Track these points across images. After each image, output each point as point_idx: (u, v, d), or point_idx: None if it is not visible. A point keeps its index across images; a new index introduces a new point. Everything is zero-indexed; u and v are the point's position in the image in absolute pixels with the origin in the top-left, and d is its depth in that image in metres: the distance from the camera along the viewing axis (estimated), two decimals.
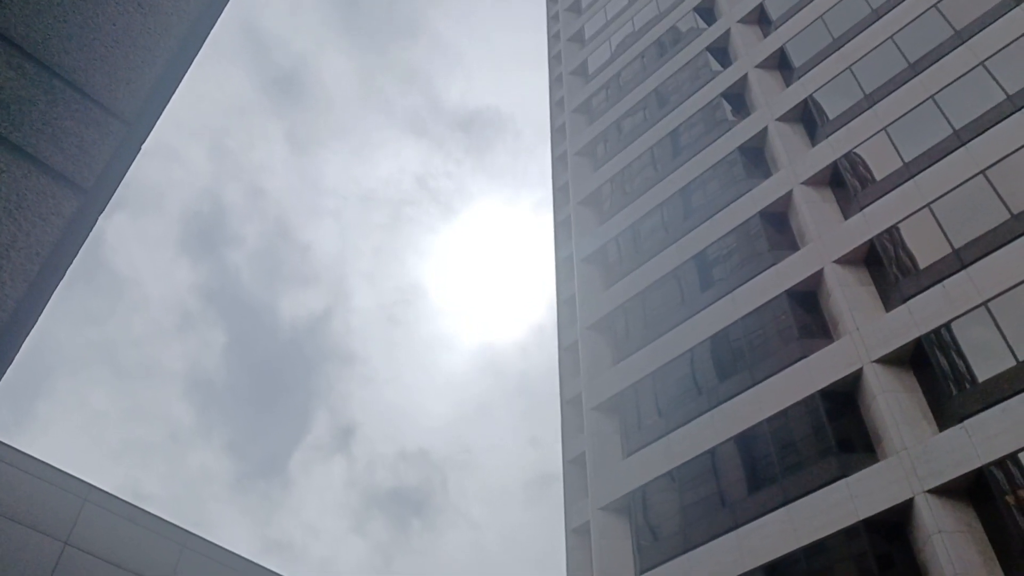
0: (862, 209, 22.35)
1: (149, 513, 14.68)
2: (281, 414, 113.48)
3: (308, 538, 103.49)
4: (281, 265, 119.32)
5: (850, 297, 21.06)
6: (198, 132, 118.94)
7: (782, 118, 26.88)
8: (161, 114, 2.04)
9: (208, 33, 2.17)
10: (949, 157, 21.04)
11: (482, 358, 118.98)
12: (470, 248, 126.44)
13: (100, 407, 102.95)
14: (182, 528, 14.80)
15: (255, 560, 15.29)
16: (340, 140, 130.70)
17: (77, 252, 1.81)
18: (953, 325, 18.55)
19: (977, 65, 21.99)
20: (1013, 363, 17.06)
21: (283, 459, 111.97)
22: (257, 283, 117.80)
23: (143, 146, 1.96)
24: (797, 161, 25.17)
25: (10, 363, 1.72)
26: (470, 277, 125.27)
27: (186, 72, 2.10)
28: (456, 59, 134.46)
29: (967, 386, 17.68)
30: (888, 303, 20.52)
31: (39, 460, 13.86)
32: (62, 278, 1.77)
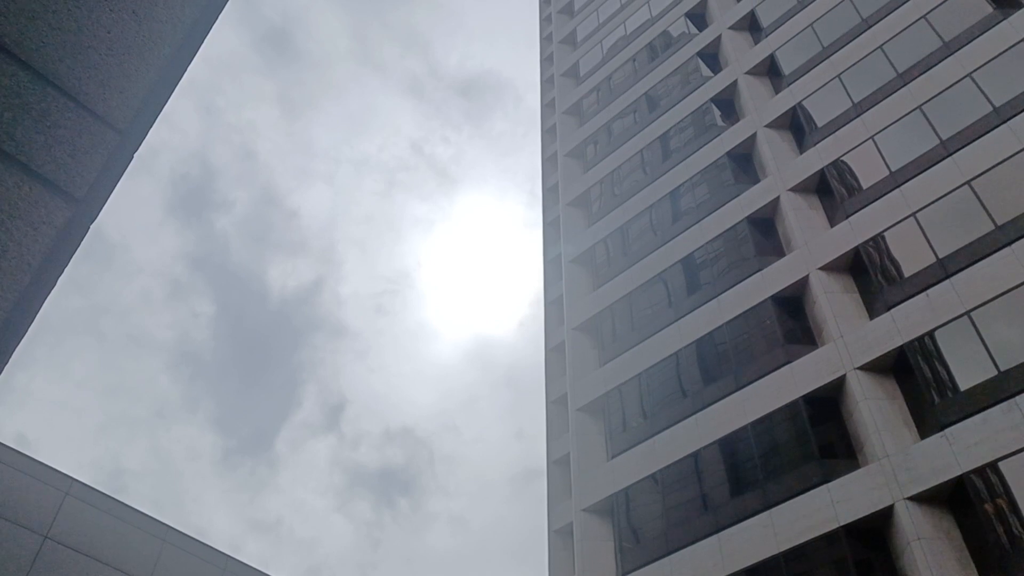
0: (848, 217, 22.49)
1: (130, 507, 14.62)
2: (268, 388, 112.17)
3: (294, 518, 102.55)
4: (270, 231, 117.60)
5: (834, 304, 21.20)
6: (186, 89, 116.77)
7: (771, 124, 27.02)
8: (154, 122, 2.04)
9: (203, 41, 2.16)
10: (935, 167, 21.20)
11: (470, 349, 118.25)
12: (462, 227, 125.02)
13: (82, 379, 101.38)
14: (163, 522, 14.76)
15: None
16: (333, 102, 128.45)
17: (68, 262, 1.81)
18: (936, 334, 18.71)
19: (964, 76, 22.17)
20: (995, 373, 17.21)
21: (270, 436, 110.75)
22: (246, 250, 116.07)
23: (135, 155, 1.97)
24: (785, 168, 25.30)
25: (0, 372, 1.72)
26: (460, 263, 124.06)
27: (180, 79, 2.11)
28: (456, 22, 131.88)
29: (949, 395, 17.83)
30: (872, 311, 20.67)
31: (20, 452, 13.78)
32: (52, 288, 1.77)
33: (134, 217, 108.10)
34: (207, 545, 15.18)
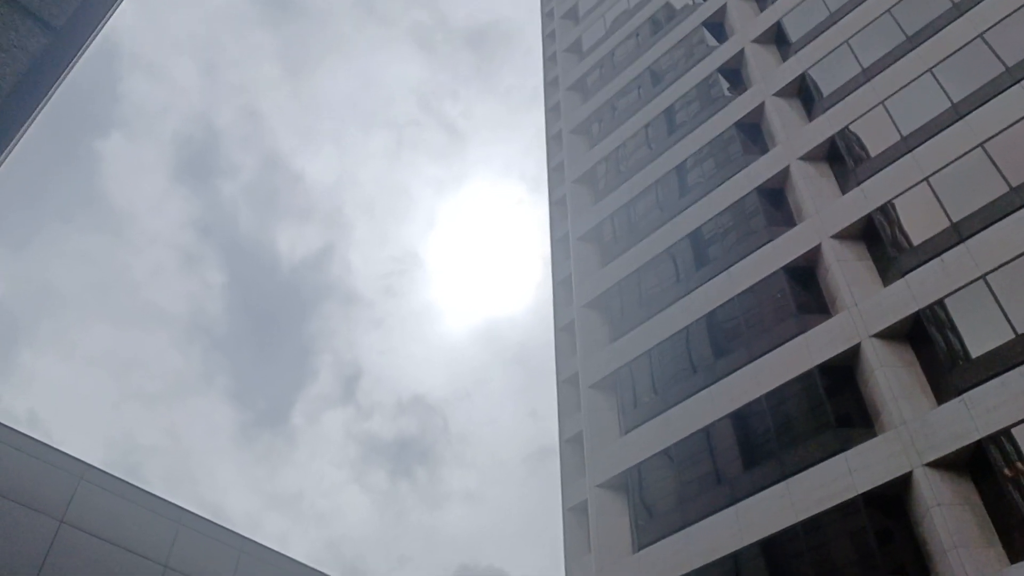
0: (860, 184, 22.22)
1: (145, 491, 14.59)
2: (283, 359, 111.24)
3: (313, 491, 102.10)
4: (278, 196, 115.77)
5: (848, 272, 20.98)
6: (185, 44, 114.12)
7: (779, 93, 26.68)
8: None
9: None
10: (947, 130, 20.90)
11: (480, 328, 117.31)
12: (472, 191, 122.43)
13: (94, 355, 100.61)
14: (178, 505, 14.73)
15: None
16: (338, 56, 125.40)
17: (51, 88, 1.63)
18: (951, 299, 18.48)
19: (975, 37, 21.81)
20: (1011, 336, 17.00)
21: (286, 408, 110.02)
22: (254, 216, 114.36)
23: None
24: (794, 136, 25.00)
25: None
26: (469, 233, 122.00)
27: None
28: None
29: (966, 359, 17.63)
30: (886, 278, 20.44)
31: (33, 438, 13.74)
32: (43, 101, 1.60)
33: (140, 184, 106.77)
34: (223, 527, 15.14)
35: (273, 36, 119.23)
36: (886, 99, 23.03)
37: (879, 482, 17.41)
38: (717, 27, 31.75)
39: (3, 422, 13.41)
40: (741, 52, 29.27)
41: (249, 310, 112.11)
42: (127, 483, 14.49)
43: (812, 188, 23.44)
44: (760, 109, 27.04)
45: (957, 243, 19.03)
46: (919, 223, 20.24)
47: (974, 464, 16.61)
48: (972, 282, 18.22)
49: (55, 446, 14.02)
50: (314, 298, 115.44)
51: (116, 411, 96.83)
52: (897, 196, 21.02)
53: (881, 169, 21.88)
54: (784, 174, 24.68)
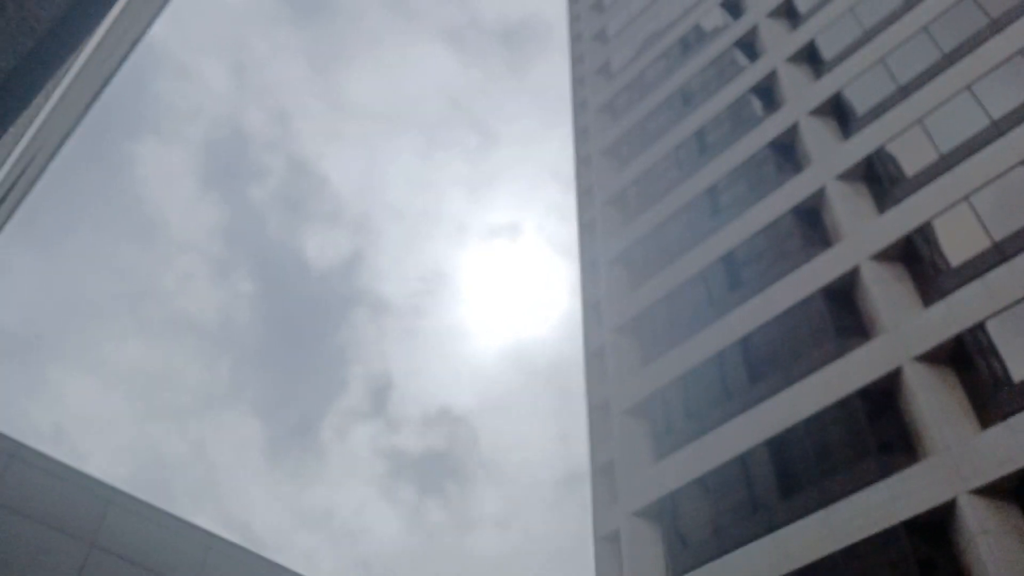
0: (898, 203, 21.78)
1: (174, 515, 14.56)
2: (312, 372, 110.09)
3: (342, 509, 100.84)
4: (306, 201, 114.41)
5: (887, 294, 20.51)
6: (213, 44, 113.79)
7: (813, 112, 26.34)
8: None
9: None
10: (987, 148, 20.45)
11: (509, 347, 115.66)
12: (502, 200, 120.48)
13: (121, 368, 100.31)
14: (207, 531, 14.67)
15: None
16: (366, 54, 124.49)
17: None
18: (995, 320, 17.96)
19: (1015, 54, 21.38)
20: None
21: (316, 423, 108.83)
22: (281, 222, 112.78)
23: None
24: (829, 156, 24.63)
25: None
26: (498, 246, 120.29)
27: None
28: None
29: (1011, 382, 17.09)
30: (927, 299, 19.94)
31: (63, 463, 13.79)
32: None
33: (170, 189, 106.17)
34: (252, 552, 15.04)
35: (300, 34, 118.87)
36: (924, 117, 22.62)
37: (922, 510, 16.87)
38: (748, 47, 31.53)
39: (31, 443, 13.47)
40: (773, 71, 28.99)
41: (278, 319, 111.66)
42: (156, 507, 14.47)
43: (849, 208, 23.02)
44: (794, 129, 26.71)
45: (1000, 262, 18.53)
46: (960, 243, 19.76)
47: (1021, 491, 16.04)
48: (1016, 303, 17.70)
49: (84, 468, 14.05)
50: (343, 306, 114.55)
51: (143, 425, 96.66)
52: (937, 215, 20.56)
53: (920, 188, 21.44)
54: (820, 194, 24.28)
